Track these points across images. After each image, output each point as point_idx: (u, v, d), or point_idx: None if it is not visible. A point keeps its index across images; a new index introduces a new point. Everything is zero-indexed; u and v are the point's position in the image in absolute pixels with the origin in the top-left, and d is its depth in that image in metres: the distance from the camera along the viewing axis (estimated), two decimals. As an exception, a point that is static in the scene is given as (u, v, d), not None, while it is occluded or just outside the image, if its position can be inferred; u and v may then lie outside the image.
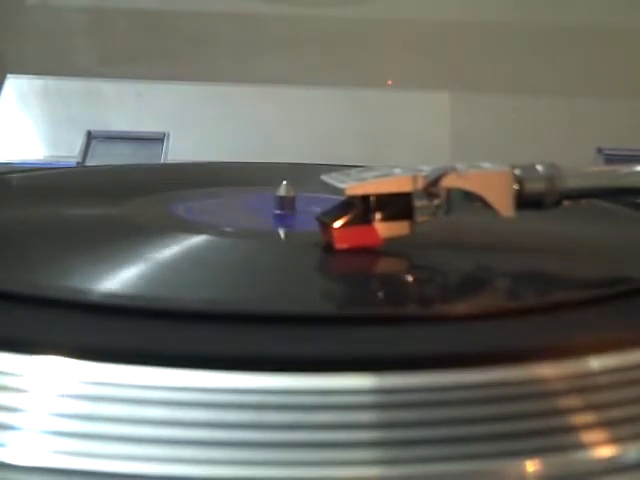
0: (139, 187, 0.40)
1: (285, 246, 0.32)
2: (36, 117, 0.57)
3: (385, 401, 0.20)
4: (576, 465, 0.20)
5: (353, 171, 0.29)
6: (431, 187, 0.28)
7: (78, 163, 0.54)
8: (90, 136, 0.55)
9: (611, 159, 0.54)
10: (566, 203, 0.29)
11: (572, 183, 0.29)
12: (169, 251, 0.29)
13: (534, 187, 0.29)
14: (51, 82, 0.58)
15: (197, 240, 0.30)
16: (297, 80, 0.59)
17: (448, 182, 0.28)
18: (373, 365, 0.20)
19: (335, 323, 0.23)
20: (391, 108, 0.58)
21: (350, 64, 0.59)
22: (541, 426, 0.20)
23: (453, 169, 0.28)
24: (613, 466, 0.20)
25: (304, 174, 0.38)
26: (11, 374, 0.20)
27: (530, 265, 0.29)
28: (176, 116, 0.57)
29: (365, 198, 0.28)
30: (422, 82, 0.59)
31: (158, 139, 0.55)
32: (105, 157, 0.54)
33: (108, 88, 0.58)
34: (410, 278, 0.29)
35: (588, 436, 0.20)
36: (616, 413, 0.21)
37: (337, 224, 0.28)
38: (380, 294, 0.27)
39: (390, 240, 0.29)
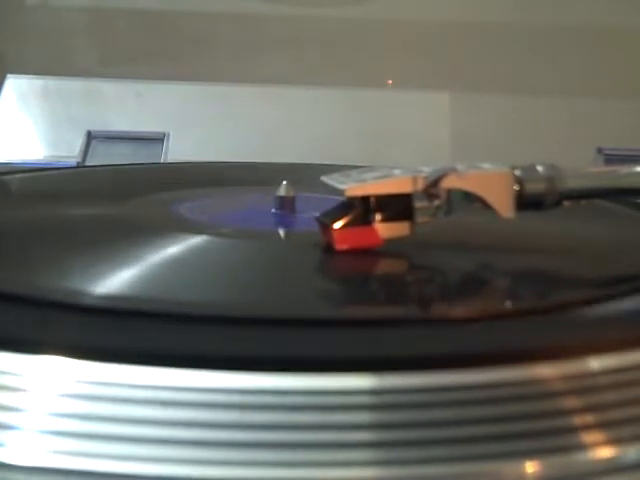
0: (139, 187, 0.40)
1: (285, 246, 0.32)
2: (36, 117, 0.57)
3: (384, 402, 0.20)
4: (576, 466, 0.20)
5: (353, 172, 0.29)
6: (431, 188, 0.28)
7: (78, 163, 0.54)
8: (90, 136, 0.55)
9: (611, 159, 0.54)
10: (566, 204, 0.29)
11: (572, 184, 0.29)
12: (168, 251, 0.29)
13: (534, 188, 0.29)
14: (51, 82, 0.58)
15: (197, 240, 0.30)
16: (297, 80, 0.59)
17: (448, 183, 0.28)
18: (372, 366, 0.20)
19: (334, 324, 0.23)
20: (391, 108, 0.58)
21: (350, 64, 0.59)
22: (541, 427, 0.20)
23: (453, 170, 0.28)
24: (613, 467, 0.20)
25: (304, 174, 0.38)
26: (11, 373, 0.20)
27: (530, 265, 0.29)
28: (176, 116, 0.57)
29: (365, 199, 0.28)
30: (422, 82, 0.59)
31: (158, 139, 0.55)
32: (105, 157, 0.54)
33: (108, 88, 0.58)
34: (410, 279, 0.29)
35: (588, 437, 0.20)
36: (616, 414, 0.21)
37: (337, 225, 0.28)
38: (380, 295, 0.27)
39: (390, 241, 0.29)
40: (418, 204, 0.29)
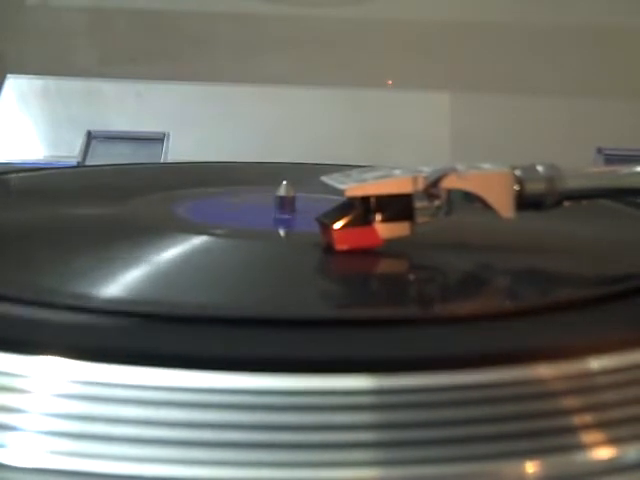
0: (139, 187, 0.40)
1: (285, 247, 0.32)
2: (36, 117, 0.57)
3: (384, 402, 0.20)
4: (576, 466, 0.20)
5: (354, 172, 0.29)
6: (431, 188, 0.28)
7: (78, 163, 0.54)
8: (90, 136, 0.55)
9: (611, 159, 0.54)
10: (566, 204, 0.29)
11: (572, 184, 0.29)
12: (168, 252, 0.29)
13: (534, 188, 0.29)
14: (51, 82, 0.58)
15: (197, 241, 0.30)
16: (297, 80, 0.59)
17: (448, 183, 0.28)
18: (372, 367, 0.20)
19: (334, 325, 0.23)
20: (391, 108, 0.58)
21: (350, 64, 0.59)
22: (541, 427, 0.20)
23: (453, 170, 0.28)
24: (613, 467, 0.20)
25: (304, 174, 0.38)
26: (11, 374, 0.20)
27: (530, 265, 0.29)
28: (176, 116, 0.57)
29: (365, 199, 0.28)
30: (422, 82, 0.59)
31: (158, 139, 0.55)
32: (105, 157, 0.54)
33: (108, 88, 0.58)
34: (410, 279, 0.29)
35: (588, 437, 0.20)
36: (615, 414, 0.21)
37: (337, 225, 0.28)
38: (380, 295, 0.27)
39: (390, 241, 0.29)
40: (418, 204, 0.29)
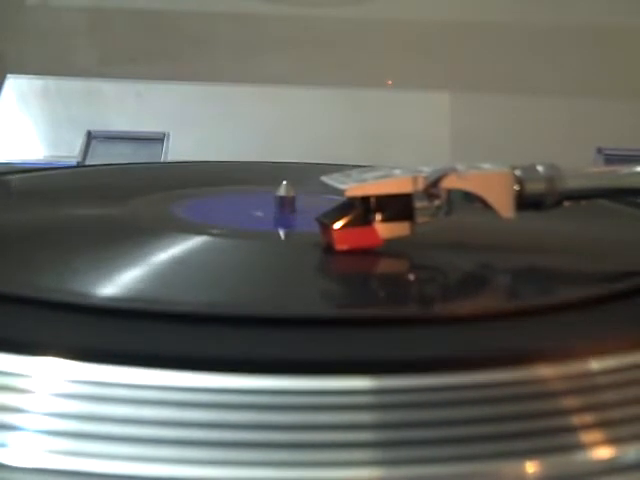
0: (139, 187, 0.40)
1: (285, 247, 0.32)
2: (36, 117, 0.57)
3: (384, 402, 0.20)
4: (576, 466, 0.20)
5: (354, 172, 0.29)
6: (431, 188, 0.28)
7: (78, 163, 0.54)
8: (90, 136, 0.55)
9: (611, 159, 0.54)
10: (566, 204, 0.29)
11: (572, 184, 0.29)
12: (168, 252, 0.29)
13: (534, 188, 0.29)
14: (51, 82, 0.58)
15: (196, 241, 0.30)
16: (297, 80, 0.59)
17: (448, 183, 0.28)
18: (372, 367, 0.20)
19: (334, 325, 0.23)
20: (391, 108, 0.58)
21: (350, 64, 0.59)
22: (541, 427, 0.20)
23: (453, 170, 0.28)
24: (613, 467, 0.20)
25: (304, 174, 0.38)
26: (11, 374, 0.20)
27: (530, 266, 0.29)
28: (176, 116, 0.57)
29: (365, 199, 0.28)
30: (422, 82, 0.59)
31: (158, 139, 0.55)
32: (105, 157, 0.54)
33: (108, 88, 0.58)
34: (410, 279, 0.29)
35: (588, 437, 0.20)
36: (615, 414, 0.21)
37: (337, 225, 0.28)
38: (380, 296, 0.27)
39: (390, 241, 0.29)
40: (418, 204, 0.29)
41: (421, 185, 0.28)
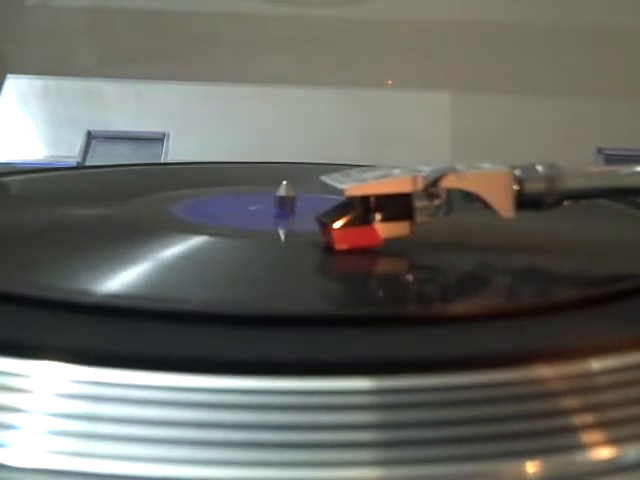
0: (139, 187, 0.40)
1: (285, 247, 0.32)
2: (36, 117, 0.57)
3: (384, 402, 0.20)
4: (576, 466, 0.20)
5: (353, 171, 0.29)
6: (431, 188, 0.28)
7: (78, 163, 0.54)
8: (90, 136, 0.55)
9: (611, 159, 0.54)
10: (566, 203, 0.29)
11: (572, 183, 0.29)
12: (168, 252, 0.29)
13: (534, 187, 0.29)
14: (51, 82, 0.58)
15: (196, 241, 0.30)
16: (297, 80, 0.59)
17: (448, 183, 0.28)
18: (372, 368, 0.20)
19: (334, 325, 0.23)
20: (391, 108, 0.58)
21: (350, 64, 0.59)
22: (541, 427, 0.20)
23: (453, 170, 0.28)
24: (613, 467, 0.20)
25: (304, 174, 0.38)
26: (12, 375, 0.20)
27: (529, 265, 0.29)
28: (176, 116, 0.57)
29: (365, 199, 0.28)
30: (422, 82, 0.59)
31: (158, 139, 0.55)
32: (105, 157, 0.54)
33: (108, 88, 0.58)
34: (409, 279, 0.29)
35: (588, 437, 0.20)
36: (616, 414, 0.21)
37: (337, 225, 0.28)
38: (380, 295, 0.27)
39: (390, 241, 0.29)
40: (418, 204, 0.29)
41: (421, 185, 0.28)
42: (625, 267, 0.29)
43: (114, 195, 0.38)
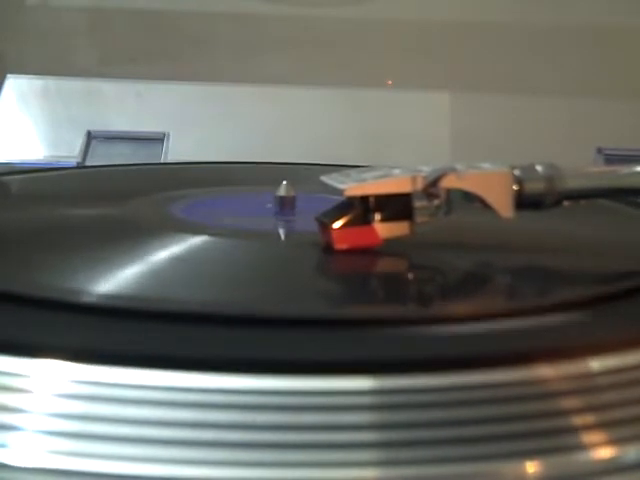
0: (139, 187, 0.40)
1: (284, 247, 0.32)
2: (36, 117, 0.57)
3: (384, 402, 0.20)
4: (576, 466, 0.20)
5: (353, 171, 0.29)
6: (430, 188, 0.28)
7: (78, 163, 0.54)
8: (90, 136, 0.55)
9: (611, 159, 0.54)
10: (566, 203, 0.29)
11: (572, 183, 0.29)
12: (168, 252, 0.29)
13: (534, 187, 0.29)
14: (51, 82, 0.58)
15: (196, 241, 0.30)
16: (297, 80, 0.59)
17: (447, 183, 0.28)
18: (372, 368, 0.20)
19: (335, 325, 0.23)
20: (391, 108, 0.58)
21: (350, 64, 0.59)
22: (541, 427, 0.20)
23: (452, 170, 0.28)
24: (613, 467, 0.20)
25: (304, 174, 0.38)
26: (11, 374, 0.20)
27: (530, 265, 0.29)
28: (176, 116, 0.57)
29: (364, 199, 0.28)
30: (422, 82, 0.59)
31: (158, 139, 0.55)
32: (105, 157, 0.54)
33: (108, 88, 0.58)
34: (409, 279, 0.29)
35: (588, 437, 0.20)
36: (616, 414, 0.21)
37: (336, 225, 0.28)
38: (380, 296, 0.27)
39: (390, 241, 0.29)
40: (418, 204, 0.29)
41: (420, 185, 0.28)
42: (625, 267, 0.29)
43: (114, 195, 0.38)
